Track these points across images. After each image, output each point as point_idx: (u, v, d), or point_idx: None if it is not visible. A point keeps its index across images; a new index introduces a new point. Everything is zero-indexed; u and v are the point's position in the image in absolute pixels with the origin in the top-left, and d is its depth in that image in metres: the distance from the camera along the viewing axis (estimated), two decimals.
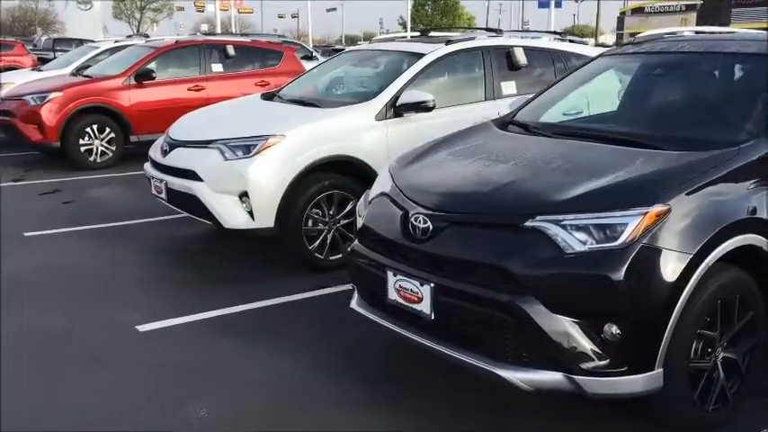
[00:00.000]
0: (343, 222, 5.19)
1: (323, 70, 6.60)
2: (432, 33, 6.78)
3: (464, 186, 3.19)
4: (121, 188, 8.44)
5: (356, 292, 3.58)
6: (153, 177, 5.44)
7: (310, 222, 5.06)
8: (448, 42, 5.83)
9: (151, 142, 9.90)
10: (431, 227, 3.02)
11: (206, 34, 14.25)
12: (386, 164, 3.87)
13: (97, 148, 9.27)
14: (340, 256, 5.20)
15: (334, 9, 65.99)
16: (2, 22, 60.02)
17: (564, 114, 4.23)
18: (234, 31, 34.80)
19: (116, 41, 12.67)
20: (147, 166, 5.68)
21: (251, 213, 4.88)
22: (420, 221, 3.05)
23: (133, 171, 9.03)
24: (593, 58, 4.54)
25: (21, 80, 10.93)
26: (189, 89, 9.93)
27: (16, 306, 4.50)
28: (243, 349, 3.90)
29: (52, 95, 9.06)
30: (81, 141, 9.15)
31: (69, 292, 4.77)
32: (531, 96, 4.44)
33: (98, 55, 11.96)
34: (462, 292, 2.88)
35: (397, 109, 5.32)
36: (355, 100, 5.50)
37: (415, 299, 3.04)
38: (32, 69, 13.36)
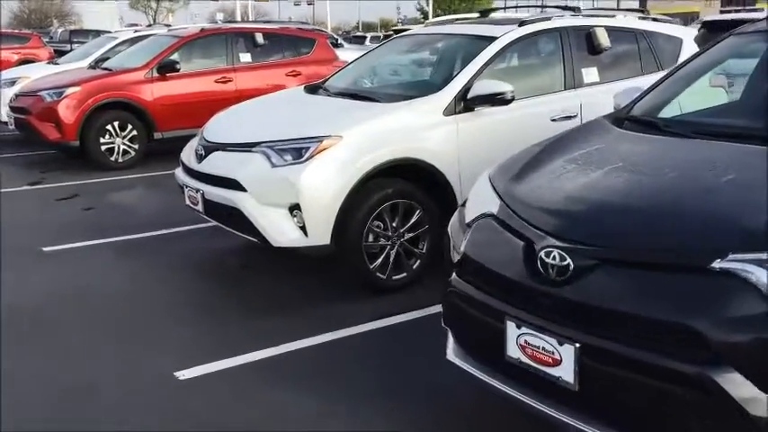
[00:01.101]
0: (408, 236, 4.45)
1: (374, 58, 5.82)
2: (494, 14, 5.97)
3: (611, 209, 2.41)
4: (146, 191, 7.76)
5: (453, 338, 2.83)
6: (187, 186, 4.72)
7: (371, 237, 4.32)
8: (521, 23, 5.03)
9: (176, 140, 9.37)
10: (571, 265, 2.26)
11: (226, 22, 13.54)
12: (483, 175, 3.10)
13: (119, 147, 8.58)
14: (404, 275, 4.48)
15: None
16: (17, 14, 59.75)
17: (692, 107, 3.45)
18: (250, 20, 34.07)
19: (136, 31, 11.97)
20: (179, 172, 4.96)
21: (303, 229, 4.15)
22: (554, 258, 2.29)
23: (157, 171, 8.38)
24: (723, 39, 3.72)
25: (36, 74, 10.26)
26: (216, 81, 9.20)
27: (34, 347, 3.81)
28: (303, 402, 3.18)
29: (70, 90, 8.37)
30: (101, 140, 8.46)
31: (93, 327, 4.06)
32: (650, 85, 3.63)
33: (117, 46, 11.26)
34: (623, 358, 2.13)
35: (467, 102, 4.55)
36: (418, 92, 4.73)
37: (550, 361, 2.29)
38: (48, 62, 12.69)
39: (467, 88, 4.57)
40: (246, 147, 4.37)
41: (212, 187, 4.45)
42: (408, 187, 4.42)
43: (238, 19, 32.03)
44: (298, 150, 4.19)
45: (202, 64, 9.39)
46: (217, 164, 4.47)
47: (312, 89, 5.45)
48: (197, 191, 4.56)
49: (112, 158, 8.57)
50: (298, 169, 4.12)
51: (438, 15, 56.95)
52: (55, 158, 9.16)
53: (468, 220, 2.83)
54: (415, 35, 5.82)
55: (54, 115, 8.31)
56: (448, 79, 4.69)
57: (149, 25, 13.98)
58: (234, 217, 4.33)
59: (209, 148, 4.59)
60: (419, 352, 3.58)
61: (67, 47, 28.55)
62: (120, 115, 8.60)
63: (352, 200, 4.18)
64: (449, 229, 3.02)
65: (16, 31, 28.63)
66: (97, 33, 30.37)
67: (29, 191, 7.57)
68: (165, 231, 5.87)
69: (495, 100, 4.50)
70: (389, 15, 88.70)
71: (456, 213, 3.06)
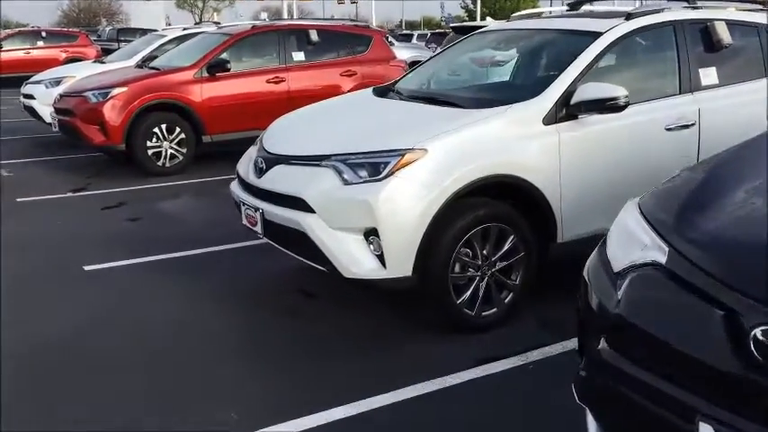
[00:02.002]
0: (500, 266, 3.80)
1: (452, 57, 5.17)
2: (586, 6, 5.26)
3: None
4: (195, 200, 7.25)
5: (596, 422, 2.18)
6: (243, 203, 4.14)
7: (457, 267, 3.68)
8: (629, 16, 4.32)
9: (226, 143, 8.90)
10: None
11: (274, 20, 13.06)
12: (628, 206, 2.44)
13: (166, 151, 8.10)
14: (494, 310, 3.84)
15: None
16: (67, 13, 60.71)
17: None
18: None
19: (184, 29, 11.54)
20: (236, 186, 4.39)
21: (381, 258, 3.53)
22: None
23: (207, 177, 7.89)
24: None
25: (82, 73, 9.88)
26: (267, 81, 8.66)
27: (65, 391, 3.28)
28: None
29: (116, 91, 7.91)
30: (148, 143, 7.99)
31: (133, 371, 3.51)
32: None
33: (165, 44, 10.84)
34: None
35: (571, 109, 3.88)
36: (509, 97, 4.06)
37: None
38: (94, 61, 12.36)
39: (569, 92, 3.89)
40: (314, 160, 3.77)
41: (274, 206, 3.86)
42: (502, 209, 3.77)
43: (285, 17, 31.58)
44: (375, 165, 3.57)
45: (254, 63, 8.87)
46: (279, 179, 3.88)
47: (382, 92, 4.83)
48: (256, 210, 3.98)
49: (159, 163, 8.09)
50: (375, 188, 3.50)
51: (484, 14, 55.95)
52: (101, 162, 8.75)
53: (618, 269, 2.16)
54: (499, 31, 5.15)
55: (99, 117, 7.86)
56: (546, 81, 4.01)
57: (198, 23, 13.53)
58: (299, 242, 3.73)
59: (271, 160, 3.99)
60: (536, 415, 2.94)
61: (115, 45, 28.61)
62: (167, 117, 8.11)
63: (438, 224, 3.55)
64: (586, 276, 2.36)
65: (64, 29, 28.72)
66: (144, 32, 30.39)
67: (73, 198, 7.13)
68: (216, 248, 5.32)
69: (606, 106, 3.81)
70: (432, 13, 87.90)
71: (595, 255, 2.40)
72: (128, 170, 8.17)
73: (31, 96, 10.41)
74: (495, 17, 54.12)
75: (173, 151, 8.14)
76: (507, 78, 4.81)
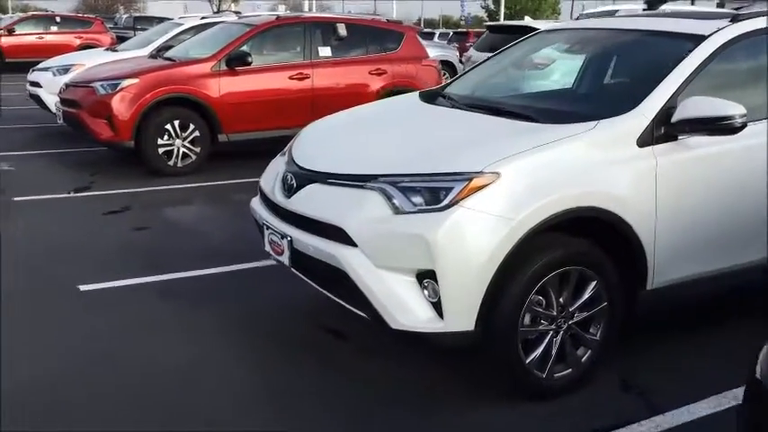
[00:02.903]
0: (578, 317, 3.11)
1: (511, 59, 4.46)
2: (665, 6, 4.54)
3: None
4: (209, 207, 6.59)
5: None
6: (268, 227, 3.45)
7: (527, 318, 2.99)
8: (735, 18, 3.61)
9: (244, 143, 8.22)
10: None
11: (236, 13, 12.38)
12: None
13: (178, 150, 7.43)
14: (569, 371, 3.14)
15: None
16: (86, 0, 60.29)
17: None
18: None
19: (203, 18, 10.88)
20: (258, 204, 3.70)
21: (438, 306, 2.85)
22: None
23: (221, 180, 7.23)
24: None
25: (91, 62, 9.23)
26: (290, 77, 7.99)
27: None
28: None
29: (126, 83, 7.25)
30: (159, 141, 7.33)
31: (126, 426, 2.86)
32: None
33: (181, 33, 10.18)
34: None
35: (671, 128, 3.18)
36: (593, 110, 3.36)
37: None
38: (106, 49, 11.72)
39: (669, 107, 3.19)
40: (357, 180, 3.08)
41: (306, 234, 3.17)
42: (584, 248, 3.07)
43: (306, 10, 30.87)
44: (434, 191, 2.89)
45: (276, 57, 8.21)
46: (314, 202, 3.19)
47: (430, 97, 4.14)
48: (283, 236, 3.29)
49: (171, 162, 7.43)
50: (435, 219, 2.81)
51: (505, 14, 55.05)
52: (107, 158, 8.09)
53: None
54: (567, 30, 4.44)
55: (107, 110, 7.20)
56: (638, 93, 3.29)
57: (217, 12, 12.88)
58: (335, 280, 3.05)
59: (303, 177, 3.30)
60: None
61: (131, 33, 28.04)
62: (181, 113, 7.44)
63: (509, 266, 2.85)
64: (759, 374, 1.67)
65: (79, 14, 28.17)
66: (161, 21, 29.83)
67: (74, 199, 6.47)
68: (231, 267, 4.65)
69: (717, 126, 3.11)
70: (451, 12, 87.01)
71: None
72: (135, 168, 7.52)
73: (37, 84, 9.79)
74: (515, 17, 53.30)
75: (185, 150, 7.48)
76: (583, 86, 4.10)
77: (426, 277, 2.86)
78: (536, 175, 2.93)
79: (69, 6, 58.84)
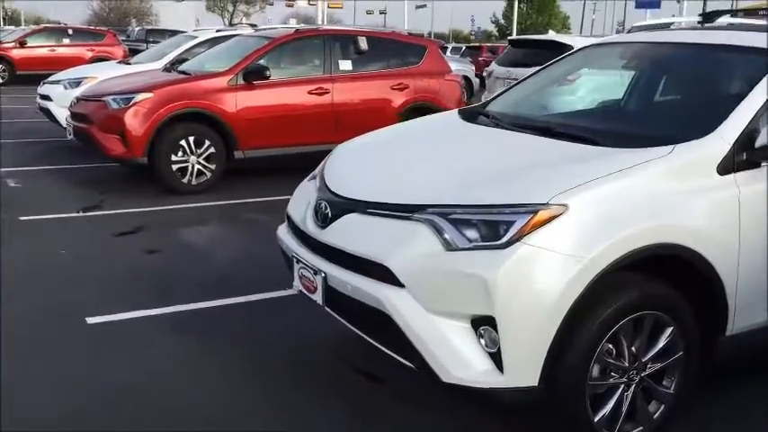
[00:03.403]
0: (651, 368, 2.73)
1: (557, 75, 4.11)
2: (722, 19, 4.18)
3: None
4: (225, 228, 6.24)
5: None
6: (299, 260, 3.09)
7: (596, 370, 2.62)
8: None
9: (261, 160, 7.90)
10: None
11: (252, 26, 12.12)
12: None
13: (193, 167, 7.11)
14: (640, 429, 2.76)
15: (424, 6, 63.98)
16: (97, 12, 60.54)
17: None
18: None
19: (218, 30, 10.61)
20: (286, 234, 3.35)
21: (497, 358, 2.48)
22: None
23: (238, 198, 6.90)
24: None
25: (104, 75, 8.95)
26: (310, 92, 7.67)
27: None
28: None
29: (140, 97, 6.94)
30: (173, 157, 7.01)
31: None
32: None
33: (196, 47, 9.90)
34: None
35: (754, 154, 2.82)
36: (666, 133, 3.00)
37: None
38: (119, 62, 11.46)
39: (752, 130, 2.83)
40: (402, 211, 2.72)
41: (343, 270, 2.82)
42: (660, 290, 2.70)
43: (320, 23, 30.64)
44: (493, 225, 2.53)
45: (295, 71, 7.90)
46: (352, 234, 2.83)
47: (471, 115, 3.79)
48: (316, 272, 2.93)
49: (185, 180, 7.10)
50: (494, 258, 2.45)
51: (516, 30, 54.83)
52: (118, 174, 7.77)
53: None
54: (620, 44, 4.08)
55: (119, 125, 6.89)
56: (714, 114, 2.94)
57: (233, 25, 12.63)
58: (378, 325, 2.69)
59: (340, 205, 2.94)
60: None
61: (143, 46, 27.93)
62: (196, 129, 7.13)
63: (579, 312, 2.49)
64: None
65: (91, 27, 28.07)
66: (174, 33, 29.68)
67: (82, 219, 6.14)
68: (251, 297, 4.30)
69: None
70: (460, 26, 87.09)
71: None
72: (148, 186, 7.20)
73: (47, 97, 9.51)
74: (526, 32, 53.10)
75: (200, 167, 7.15)
76: (641, 105, 3.74)
77: (483, 324, 2.50)
78: (608, 208, 2.57)
79: (81, 19, 59.14)
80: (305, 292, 3.07)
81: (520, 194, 2.56)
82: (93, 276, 4.66)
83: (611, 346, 2.63)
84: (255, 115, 7.34)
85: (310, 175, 3.58)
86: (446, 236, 2.57)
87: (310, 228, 3.03)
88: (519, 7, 74.00)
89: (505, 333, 2.45)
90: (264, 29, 9.72)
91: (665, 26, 4.12)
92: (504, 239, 2.48)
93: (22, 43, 20.22)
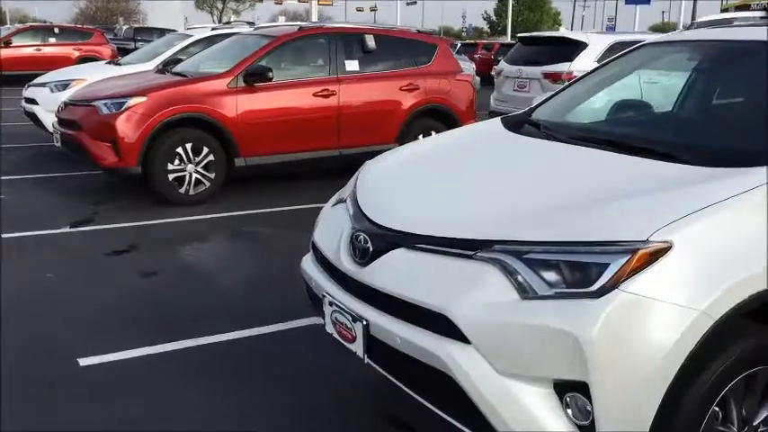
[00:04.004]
0: None
1: (612, 77, 3.64)
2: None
3: None
4: (227, 244, 5.74)
5: None
6: (332, 302, 2.61)
7: None
8: None
9: (263, 167, 7.30)
10: None
11: (249, 23, 11.62)
12: None
13: (191, 176, 6.61)
14: None
15: (414, 3, 63.59)
16: (84, 11, 59.63)
17: None
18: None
19: (213, 29, 10.09)
20: (313, 268, 2.85)
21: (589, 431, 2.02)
22: None
23: (240, 210, 6.41)
24: None
25: (93, 76, 8.41)
26: (315, 94, 7.18)
27: None
28: None
29: (133, 101, 6.42)
30: (169, 166, 6.50)
31: None
32: None
33: (190, 46, 9.38)
34: None
35: None
36: (760, 147, 2.54)
37: None
38: (108, 63, 10.91)
39: None
40: (463, 247, 2.24)
41: (391, 319, 2.33)
42: None
43: (314, 20, 29.93)
44: (581, 268, 2.06)
45: (299, 72, 7.40)
46: (401, 274, 2.35)
47: (517, 125, 3.31)
48: (355, 318, 2.45)
49: (182, 190, 6.60)
50: (586, 309, 1.98)
51: (503, 25, 54.43)
52: (111, 183, 7.25)
53: None
54: (682, 43, 3.61)
55: (111, 132, 6.37)
56: None
57: (227, 23, 12.09)
58: (436, 386, 2.21)
59: (382, 238, 2.46)
60: None
61: (131, 45, 27.28)
62: (194, 135, 6.62)
63: (689, 372, 2.03)
64: None
65: (78, 26, 27.40)
66: (162, 32, 29.02)
67: (72, 236, 5.63)
68: (261, 329, 3.82)
69: None
70: (451, 23, 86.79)
71: None
72: (143, 196, 6.70)
73: (33, 101, 8.95)
74: (517, 29, 52.71)
75: (198, 176, 6.65)
76: (721, 114, 3.27)
77: (571, 390, 2.03)
78: (720, 244, 2.10)
79: (67, 18, 58.26)
80: (339, 340, 2.58)
81: (611, 228, 2.09)
82: (85, 306, 4.16)
83: (717, 409, 2.17)
84: (257, 120, 6.85)
85: (335, 197, 3.10)
86: (521, 280, 2.10)
87: (346, 264, 2.54)
88: (511, 4, 73.79)
89: (601, 402, 1.98)
90: (264, 27, 9.21)
91: (728, 21, 3.67)
92: (597, 286, 2.01)
93: (6, 43, 19.55)
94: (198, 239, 5.65)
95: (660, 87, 3.66)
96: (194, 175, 6.63)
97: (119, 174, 6.71)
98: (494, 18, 76.06)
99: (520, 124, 3.35)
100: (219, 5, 63.69)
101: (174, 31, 22.41)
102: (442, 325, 2.16)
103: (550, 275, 2.09)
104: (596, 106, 3.55)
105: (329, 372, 3.33)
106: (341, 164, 7.62)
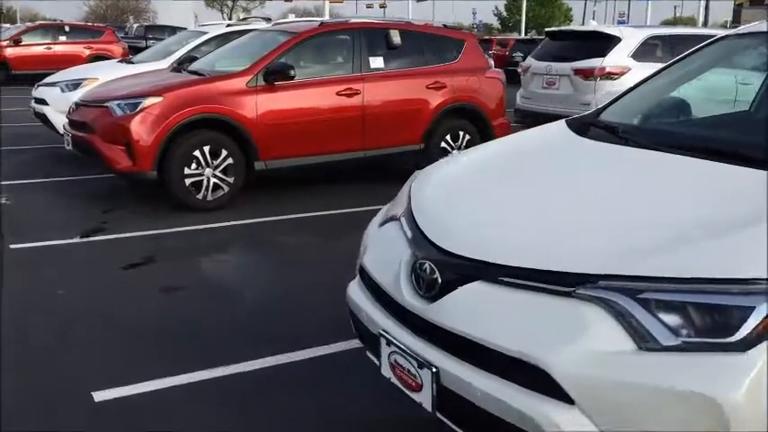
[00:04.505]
0: None
1: (692, 72, 3.22)
2: None
3: None
4: (251, 255, 5.34)
5: None
6: (390, 341, 2.21)
7: None
8: None
9: (284, 170, 6.73)
10: None
11: (266, 19, 11.24)
12: None
13: (208, 180, 6.23)
14: None
15: None
16: (94, 10, 59.49)
17: None
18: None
19: (228, 25, 9.71)
20: (360, 296, 2.46)
21: None
22: None
23: (261, 216, 6.05)
24: None
25: (106, 75, 8.05)
26: (338, 93, 6.79)
27: None
28: None
29: (148, 102, 6.05)
30: (186, 170, 6.13)
31: None
32: None
33: (205, 43, 9.00)
34: None
35: None
36: None
37: None
38: (120, 61, 10.55)
39: None
40: (559, 283, 1.85)
41: (467, 366, 1.94)
42: None
43: (326, 17, 29.36)
44: (718, 312, 1.66)
45: (321, 70, 7.01)
46: (480, 313, 1.95)
47: (585, 129, 2.91)
48: (421, 364, 2.06)
49: (199, 195, 6.22)
50: (728, 367, 1.59)
51: (518, 21, 53.85)
52: (123, 187, 6.90)
53: None
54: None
55: (125, 135, 6.00)
56: None
57: (243, 19, 11.72)
58: None
59: (453, 268, 2.06)
60: None
61: (142, 43, 27.00)
62: (212, 137, 6.25)
63: None
64: None
65: (89, 24, 27.12)
66: (173, 30, 28.72)
67: (84, 247, 5.26)
68: (294, 356, 3.42)
69: None
70: (461, 20, 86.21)
71: None
72: (158, 200, 6.34)
73: (43, 101, 8.60)
74: (528, 25, 52.12)
75: (216, 180, 6.28)
76: None
77: None
78: None
79: (77, 17, 58.15)
80: (400, 386, 2.19)
81: (753, 262, 1.69)
82: (100, 329, 3.79)
83: None
84: (278, 121, 6.46)
85: (382, 214, 2.71)
86: (637, 326, 1.70)
87: (409, 299, 2.14)
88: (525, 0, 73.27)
89: None
90: (283, 22, 8.82)
91: None
92: (740, 336, 1.61)
93: (16, 41, 19.29)
94: (218, 250, 5.27)
95: (747, 86, 3.25)
96: (212, 180, 6.25)
97: (133, 178, 6.35)
98: (504, 14, 75.56)
99: (590, 128, 2.93)
100: (230, 3, 63.40)
101: (185, 29, 22.07)
102: (535, 378, 1.77)
103: (674, 320, 1.69)
104: (674, 106, 3.14)
105: (385, 403, 2.94)
106: (365, 166, 7.25)
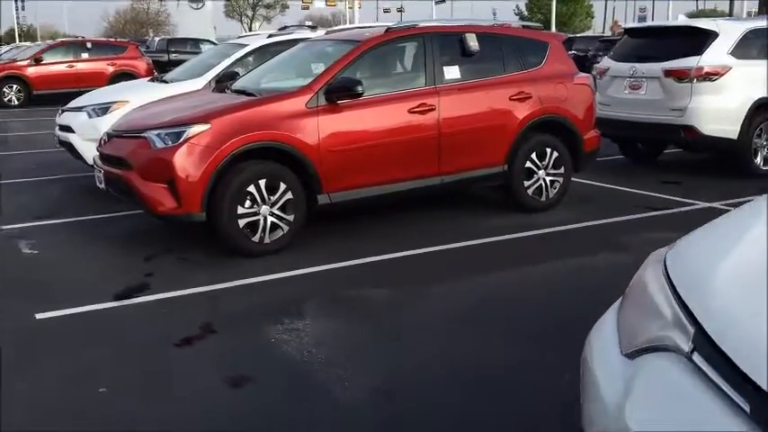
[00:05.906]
0: None
1: None
2: None
3: None
4: (331, 319, 4.23)
5: None
6: None
7: None
8: None
9: (351, 203, 5.41)
10: None
11: (312, 27, 10.30)
12: None
13: (265, 220, 5.25)
14: None
15: (443, 1, 62.23)
16: (113, 25, 59.24)
17: None
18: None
19: (270, 35, 8.74)
20: None
21: None
22: None
23: (329, 263, 5.09)
24: None
25: (137, 98, 7.11)
26: (411, 111, 5.78)
27: None
28: None
29: (193, 130, 5.07)
30: (239, 209, 5.16)
31: None
32: None
33: (246, 56, 8.05)
34: None
35: None
36: None
37: None
38: (151, 80, 9.62)
39: None
40: None
41: None
42: None
43: (356, 23, 28.39)
44: None
45: (388, 84, 6.02)
46: None
47: None
48: None
49: (255, 238, 5.24)
50: None
51: (539, 20, 52.66)
52: (166, 227, 5.94)
53: None
54: None
55: (167, 171, 5.03)
56: None
57: (283, 27, 10.78)
58: None
59: None
60: None
61: (164, 57, 26.29)
62: (268, 169, 5.28)
63: None
64: None
65: (111, 39, 26.46)
66: (195, 42, 27.97)
67: (124, 313, 4.29)
68: None
69: None
70: (481, 21, 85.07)
71: None
72: (207, 240, 5.39)
73: (68, 128, 7.67)
74: (548, 24, 50.92)
75: (274, 219, 5.30)
76: None
77: None
78: None
79: (95, 32, 57.94)
80: None
81: None
82: None
83: None
84: (343, 146, 5.49)
85: (614, 336, 1.70)
86: None
87: None
88: None
89: None
90: (338, 30, 7.84)
91: None
92: None
93: (37, 60, 18.60)
94: (289, 313, 4.24)
95: None
96: (270, 219, 5.27)
97: (178, 222, 5.39)
98: (525, 13, 74.51)
99: None
100: (249, 13, 62.80)
101: (208, 41, 21.15)
102: None
103: None
104: None
105: None
106: (440, 193, 6.26)
